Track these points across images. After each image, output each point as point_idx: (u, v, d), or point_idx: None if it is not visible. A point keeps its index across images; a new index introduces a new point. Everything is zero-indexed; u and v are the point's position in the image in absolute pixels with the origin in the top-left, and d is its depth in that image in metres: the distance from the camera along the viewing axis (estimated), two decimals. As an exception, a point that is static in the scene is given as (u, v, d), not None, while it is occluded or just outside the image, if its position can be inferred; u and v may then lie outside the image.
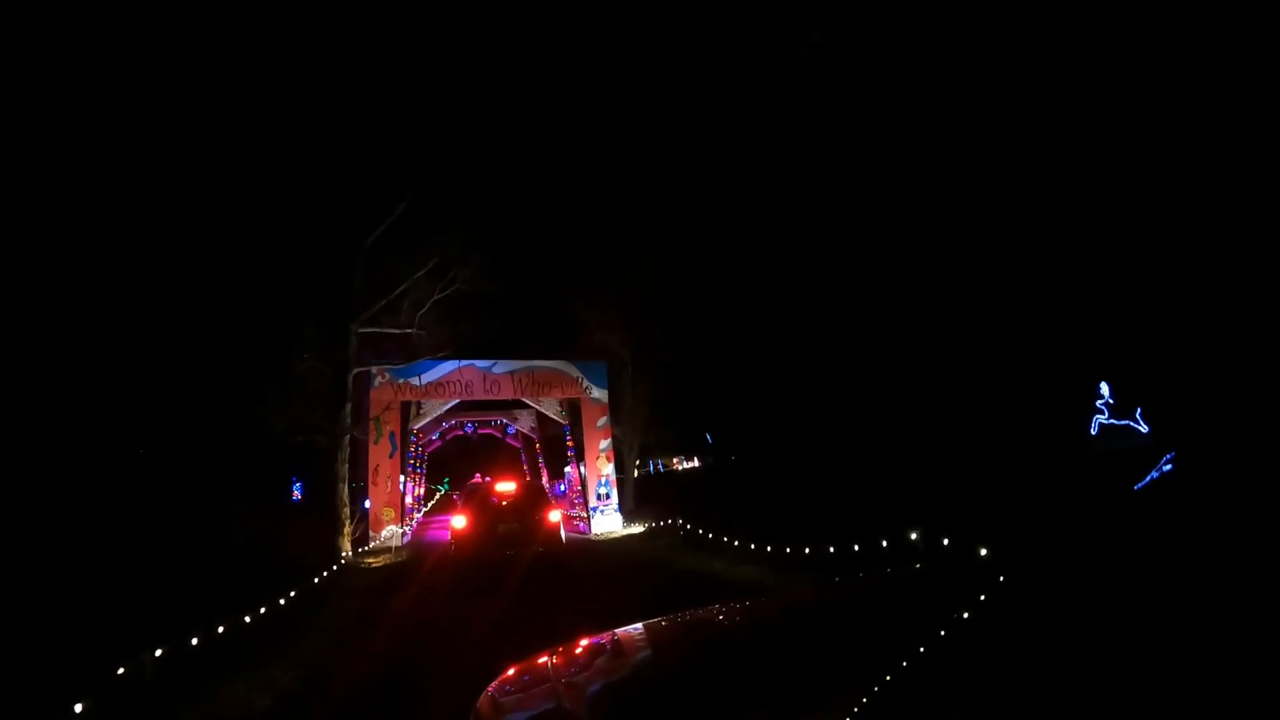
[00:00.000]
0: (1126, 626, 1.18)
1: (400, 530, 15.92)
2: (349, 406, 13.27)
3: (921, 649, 1.30)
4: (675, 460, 49.35)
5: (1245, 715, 0.87)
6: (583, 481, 17.52)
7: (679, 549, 11.86)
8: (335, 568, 10.47)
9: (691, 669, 1.54)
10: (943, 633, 1.38)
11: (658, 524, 15.32)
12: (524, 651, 1.93)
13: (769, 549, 8.88)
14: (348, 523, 12.95)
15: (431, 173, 14.89)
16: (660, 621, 2.01)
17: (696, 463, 51.81)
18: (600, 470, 17.26)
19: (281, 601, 7.13)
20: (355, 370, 13.73)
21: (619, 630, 1.97)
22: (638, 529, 16.45)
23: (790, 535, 9.34)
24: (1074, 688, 1.00)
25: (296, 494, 40.74)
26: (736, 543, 9.74)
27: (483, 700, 1.55)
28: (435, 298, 15.44)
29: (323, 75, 13.71)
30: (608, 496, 17.14)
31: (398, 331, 15.03)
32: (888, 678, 1.17)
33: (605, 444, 17.51)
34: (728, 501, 19.21)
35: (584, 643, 1.98)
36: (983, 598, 1.55)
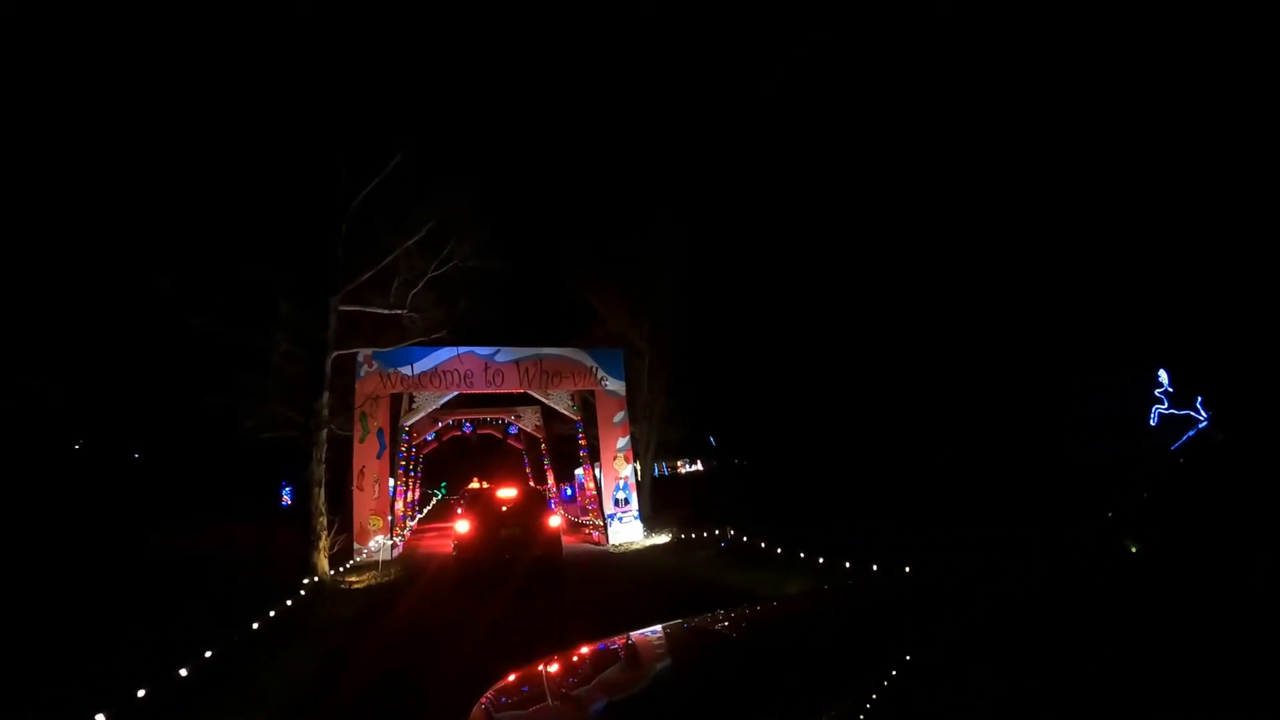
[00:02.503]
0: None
1: (389, 542, 13.57)
2: (326, 396, 10.92)
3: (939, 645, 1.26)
4: (680, 463, 47.03)
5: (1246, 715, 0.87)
6: (598, 485, 15.20)
7: (726, 564, 9.59)
8: (298, 596, 8.06)
9: (692, 680, 1.47)
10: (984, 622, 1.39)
11: (686, 533, 13.08)
12: None
13: (874, 566, 6.62)
14: (324, 534, 10.58)
15: (429, 127, 12.65)
16: (661, 628, 1.88)
17: (700, 466, 49.56)
18: (618, 472, 14.96)
19: (180, 674, 4.71)
20: (335, 354, 11.39)
21: (620, 637, 1.88)
22: (662, 538, 14.17)
23: (875, 545, 7.19)
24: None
25: (286, 499, 38.07)
26: (821, 559, 7.47)
27: (476, 712, 1.46)
28: (430, 274, 13.13)
29: (304, 9, 11.44)
30: (626, 502, 14.84)
31: (386, 312, 12.71)
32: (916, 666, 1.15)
33: (623, 442, 15.21)
34: (752, 506, 17.05)
35: (584, 650, 1.87)
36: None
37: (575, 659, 1.83)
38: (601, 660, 1.82)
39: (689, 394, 20.52)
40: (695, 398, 23.62)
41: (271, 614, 6.28)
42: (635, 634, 1.88)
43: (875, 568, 6.53)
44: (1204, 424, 19.29)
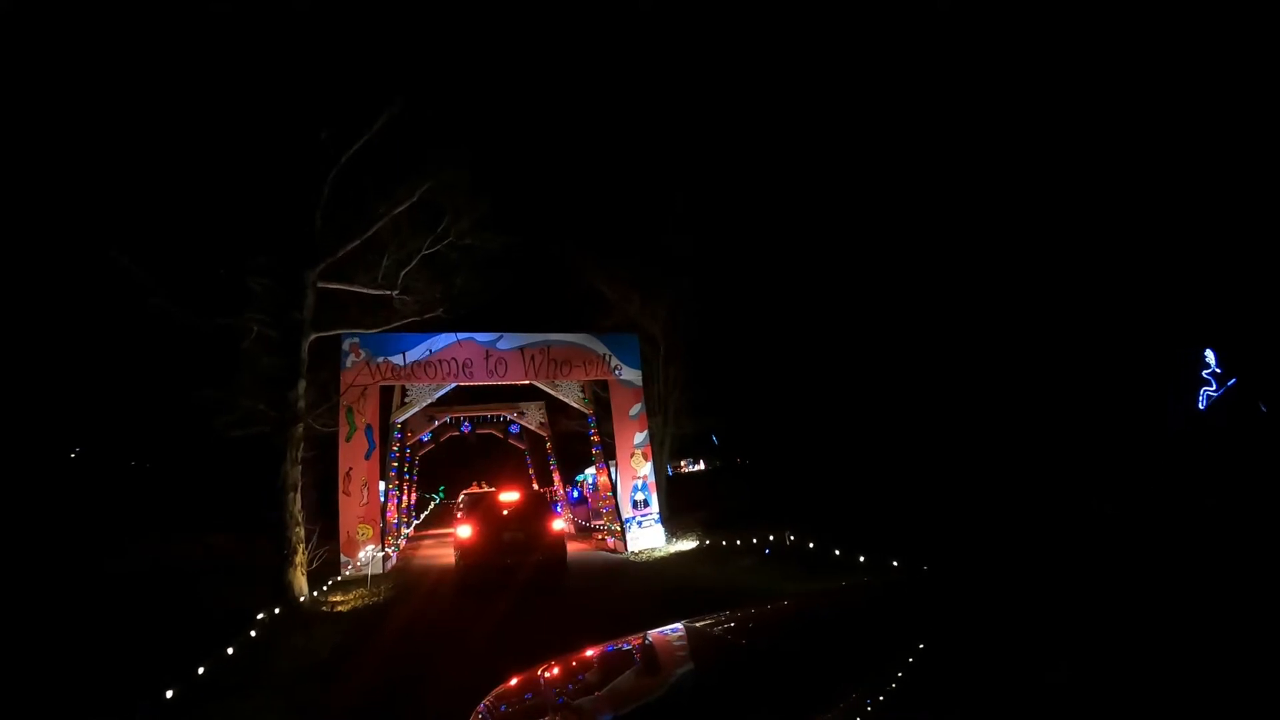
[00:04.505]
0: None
1: (381, 553, 11.81)
2: (302, 385, 9.17)
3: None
4: (683, 462, 45.28)
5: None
6: (613, 486, 13.51)
7: (779, 574, 7.91)
8: (262, 626, 6.29)
9: (697, 684, 1.43)
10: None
11: (714, 538, 11.45)
12: None
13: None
14: (301, 548, 8.84)
15: (425, 81, 10.94)
16: (668, 629, 1.79)
17: (701, 465, 47.85)
18: (636, 471, 13.27)
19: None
20: (313, 336, 9.66)
21: (627, 639, 1.81)
22: (687, 544, 12.50)
23: (916, 543, 5.64)
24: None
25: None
26: (894, 561, 5.78)
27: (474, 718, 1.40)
28: (424, 252, 11.44)
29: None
30: (646, 504, 13.14)
31: (375, 292, 11.00)
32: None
33: (641, 437, 13.53)
34: (774, 506, 15.41)
35: (587, 653, 1.77)
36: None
37: (576, 663, 1.72)
38: (605, 663, 1.70)
39: (704, 388, 18.93)
40: (708, 393, 21.98)
41: (200, 671, 4.47)
42: (638, 635, 1.79)
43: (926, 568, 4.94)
44: (1232, 381, 18.11)
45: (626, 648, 1.77)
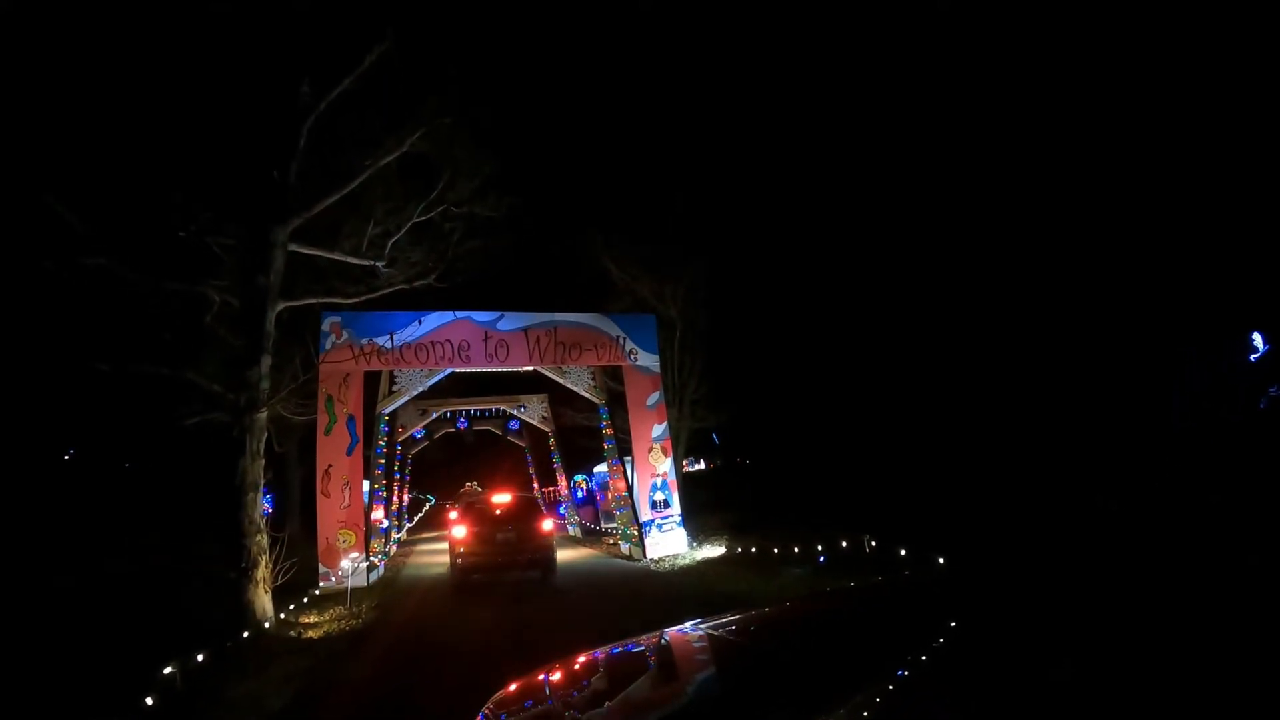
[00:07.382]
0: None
1: (365, 562, 10.09)
2: (266, 361, 7.44)
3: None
4: (684, 462, 43.61)
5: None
6: (629, 484, 11.83)
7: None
8: (148, 699, 4.48)
9: (704, 686, 1.35)
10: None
11: (747, 544, 9.86)
12: None
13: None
14: (264, 560, 7.11)
15: (422, 21, 9.28)
16: (674, 630, 1.70)
17: (702, 464, 46.26)
18: (655, 467, 11.62)
19: None
20: (281, 306, 7.93)
21: (630, 640, 1.73)
22: (714, 550, 10.89)
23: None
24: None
25: (267, 506, 33.99)
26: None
27: None
28: (416, 219, 9.78)
29: None
30: (667, 504, 11.48)
31: (358, 262, 9.31)
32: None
33: (659, 430, 11.87)
34: (794, 506, 13.85)
35: (590, 656, 1.67)
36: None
37: (579, 666, 1.64)
38: (610, 665, 1.61)
39: (710, 384, 17.35)
40: (714, 388, 20.33)
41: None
42: (648, 635, 1.71)
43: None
44: (1266, 348, 17.22)
45: (632, 649, 1.67)
